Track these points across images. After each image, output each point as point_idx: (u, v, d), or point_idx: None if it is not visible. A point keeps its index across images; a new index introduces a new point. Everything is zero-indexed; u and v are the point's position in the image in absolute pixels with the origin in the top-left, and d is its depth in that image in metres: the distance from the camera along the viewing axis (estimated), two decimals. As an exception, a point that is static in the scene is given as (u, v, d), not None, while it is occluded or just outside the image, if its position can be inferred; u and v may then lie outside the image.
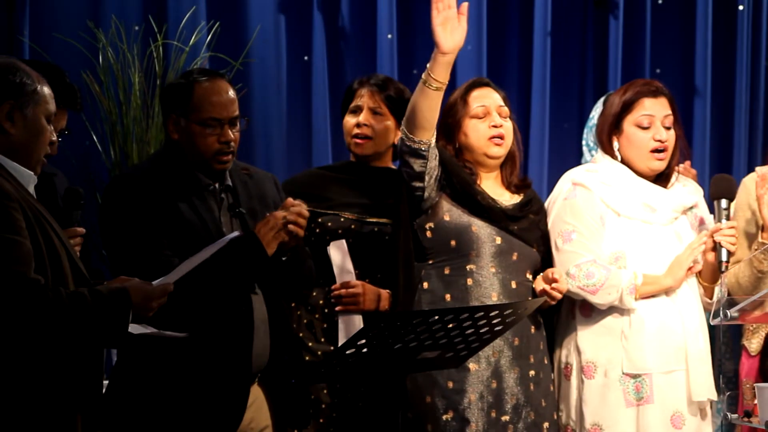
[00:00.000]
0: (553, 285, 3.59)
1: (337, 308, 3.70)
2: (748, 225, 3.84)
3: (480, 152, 3.70)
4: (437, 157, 3.61)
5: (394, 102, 3.81)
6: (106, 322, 2.61)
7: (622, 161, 3.78)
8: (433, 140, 3.57)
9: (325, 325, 3.73)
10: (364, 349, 2.90)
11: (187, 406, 3.15)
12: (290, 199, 3.29)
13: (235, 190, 3.34)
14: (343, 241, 3.73)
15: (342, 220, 3.76)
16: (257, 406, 3.29)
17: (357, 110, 3.82)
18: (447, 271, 3.64)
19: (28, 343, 2.58)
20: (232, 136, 3.28)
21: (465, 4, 3.47)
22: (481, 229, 3.64)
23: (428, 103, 3.49)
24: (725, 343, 4.18)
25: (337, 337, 3.70)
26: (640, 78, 5.03)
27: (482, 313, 2.94)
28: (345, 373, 3.10)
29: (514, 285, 3.64)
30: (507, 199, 3.74)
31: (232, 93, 3.31)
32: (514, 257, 3.66)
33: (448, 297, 3.63)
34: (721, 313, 3.38)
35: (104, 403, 2.92)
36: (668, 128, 3.74)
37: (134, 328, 2.68)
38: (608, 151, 3.81)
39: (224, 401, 3.18)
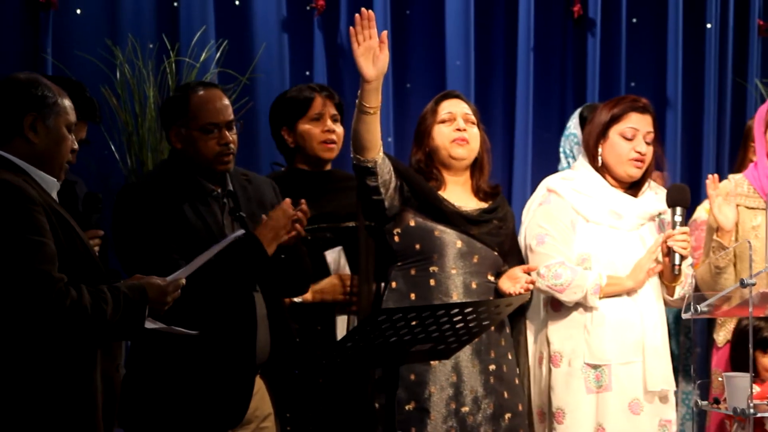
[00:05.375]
0: (526, 282, 3.69)
1: None
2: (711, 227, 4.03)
3: (445, 153, 3.79)
4: (390, 171, 3.68)
5: (341, 109, 3.99)
6: (125, 317, 2.68)
7: (603, 166, 3.89)
8: (380, 157, 3.62)
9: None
10: (362, 342, 2.98)
11: (198, 396, 3.25)
12: (289, 200, 3.33)
13: (235, 195, 3.41)
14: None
15: None
16: (261, 395, 3.39)
17: (319, 117, 3.91)
18: (413, 272, 3.74)
19: (53, 337, 2.63)
20: (231, 138, 3.36)
21: (384, 33, 3.52)
22: (443, 233, 3.74)
23: (366, 127, 3.56)
24: (700, 335, 4.31)
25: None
26: (616, 91, 5.23)
27: (471, 309, 3.06)
28: (344, 364, 3.21)
29: (474, 285, 3.73)
30: (473, 205, 3.83)
31: (225, 100, 3.39)
32: (475, 259, 3.75)
33: (413, 296, 3.72)
34: (692, 307, 3.52)
35: (121, 393, 2.99)
36: (648, 144, 3.87)
37: (149, 324, 2.74)
38: (593, 155, 3.91)
39: (233, 391, 3.28)
